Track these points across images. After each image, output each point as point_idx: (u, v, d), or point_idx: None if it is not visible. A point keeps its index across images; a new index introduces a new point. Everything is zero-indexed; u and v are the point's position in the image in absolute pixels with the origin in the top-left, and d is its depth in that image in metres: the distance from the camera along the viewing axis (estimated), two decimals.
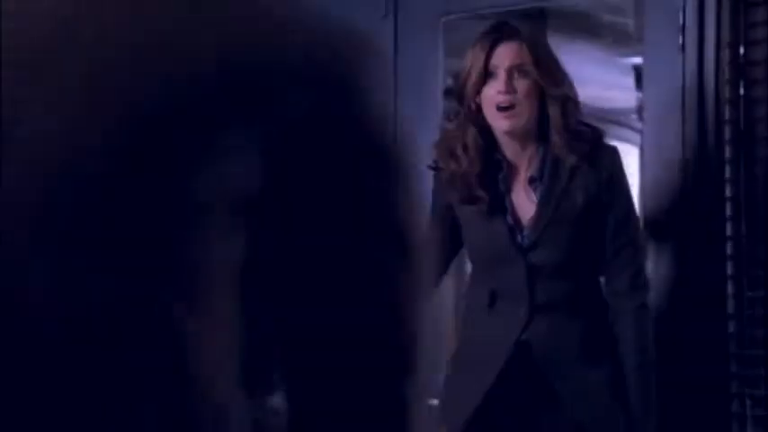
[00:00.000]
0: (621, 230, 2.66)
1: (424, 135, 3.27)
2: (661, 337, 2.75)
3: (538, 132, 2.66)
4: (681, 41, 2.98)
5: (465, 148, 2.67)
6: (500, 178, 2.68)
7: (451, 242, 2.78)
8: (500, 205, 2.68)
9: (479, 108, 2.65)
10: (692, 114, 2.96)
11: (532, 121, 2.64)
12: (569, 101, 2.63)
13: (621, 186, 2.68)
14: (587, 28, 4.06)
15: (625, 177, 2.70)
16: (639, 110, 3.68)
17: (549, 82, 2.60)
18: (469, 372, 2.70)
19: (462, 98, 2.68)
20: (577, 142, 2.61)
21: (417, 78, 3.36)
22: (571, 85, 2.66)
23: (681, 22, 2.98)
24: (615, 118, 4.25)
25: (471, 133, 2.66)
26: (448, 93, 3.05)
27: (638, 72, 3.88)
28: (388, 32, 3.39)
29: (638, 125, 3.80)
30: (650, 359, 2.66)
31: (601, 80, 4.19)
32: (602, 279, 2.75)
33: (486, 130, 2.67)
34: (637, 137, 3.95)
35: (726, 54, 2.93)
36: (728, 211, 2.90)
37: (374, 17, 3.40)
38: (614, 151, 2.69)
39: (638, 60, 3.72)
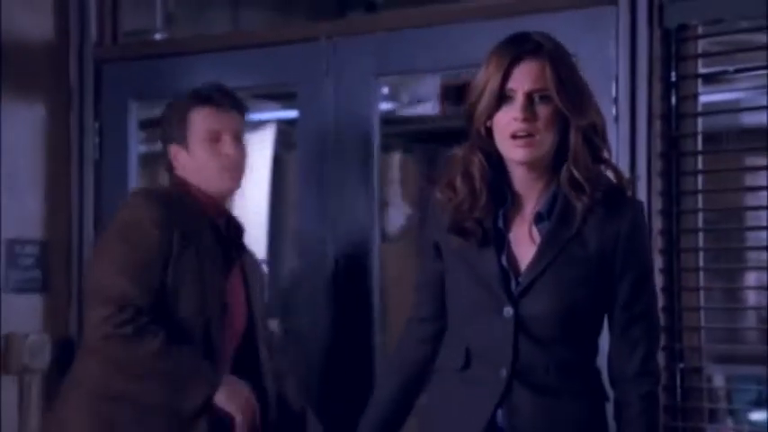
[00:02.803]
0: (636, 300, 2.25)
1: (358, 190, 3.34)
2: None
3: (554, 162, 2.27)
4: (614, 113, 3.00)
5: (467, 176, 2.27)
6: (500, 213, 2.28)
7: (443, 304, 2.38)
8: (497, 244, 2.27)
9: (490, 133, 2.25)
10: None
11: (551, 150, 2.25)
12: (595, 131, 2.24)
13: (641, 247, 2.27)
14: None
15: (646, 238, 2.31)
16: None
17: (573, 110, 2.20)
18: None
19: (471, 121, 2.26)
20: (595, 183, 2.23)
21: (355, 132, 3.40)
22: (598, 111, 2.26)
23: (614, 94, 3.01)
24: None
25: (477, 160, 2.26)
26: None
27: None
28: (328, 89, 3.43)
29: None
30: None
31: None
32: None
33: (493, 158, 2.28)
34: None
35: (657, 125, 2.98)
36: (661, 283, 2.98)
37: (315, 74, 3.44)
38: (638, 206, 2.31)
39: None
